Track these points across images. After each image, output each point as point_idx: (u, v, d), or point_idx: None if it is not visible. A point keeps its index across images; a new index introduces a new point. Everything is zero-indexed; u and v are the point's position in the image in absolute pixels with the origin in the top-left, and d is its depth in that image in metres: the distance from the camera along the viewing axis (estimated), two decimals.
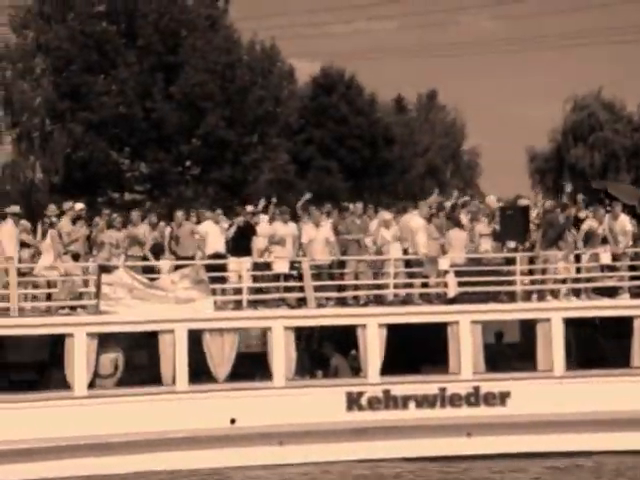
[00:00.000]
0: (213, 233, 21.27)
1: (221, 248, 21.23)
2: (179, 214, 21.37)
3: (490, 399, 20.18)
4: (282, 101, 50.71)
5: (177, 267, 20.25)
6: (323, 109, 59.07)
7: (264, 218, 22.25)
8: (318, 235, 21.01)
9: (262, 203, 23.27)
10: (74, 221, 20.53)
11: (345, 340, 21.00)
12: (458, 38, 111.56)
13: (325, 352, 21.36)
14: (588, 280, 21.44)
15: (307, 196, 23.13)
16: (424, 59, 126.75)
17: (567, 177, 56.48)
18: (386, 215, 21.74)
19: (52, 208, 21.23)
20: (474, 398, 20.17)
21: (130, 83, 45.32)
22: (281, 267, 20.80)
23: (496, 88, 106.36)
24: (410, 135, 65.19)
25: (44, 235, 20.64)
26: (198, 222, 21.76)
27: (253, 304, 20.48)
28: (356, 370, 20.82)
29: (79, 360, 18.89)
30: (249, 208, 22.25)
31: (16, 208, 21.03)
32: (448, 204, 23.57)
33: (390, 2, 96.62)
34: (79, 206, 21.19)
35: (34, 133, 46.29)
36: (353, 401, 19.91)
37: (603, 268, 21.49)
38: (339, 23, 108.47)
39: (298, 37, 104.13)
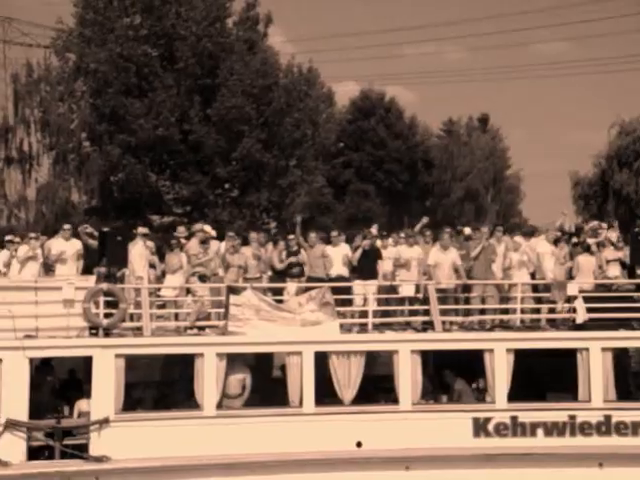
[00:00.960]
0: (337, 256, 21.31)
1: (345, 271, 21.25)
2: (312, 235, 21.48)
3: (622, 428, 19.69)
4: (319, 124, 50.47)
5: (307, 289, 20.31)
6: (361, 132, 58.99)
7: (389, 242, 22.17)
8: (445, 259, 20.85)
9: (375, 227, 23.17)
10: (202, 242, 20.81)
11: (466, 365, 20.78)
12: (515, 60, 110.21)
13: (446, 376, 21.15)
14: None
15: (424, 220, 22.99)
16: (479, 83, 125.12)
17: (612, 203, 55.32)
18: (517, 239, 21.53)
19: (181, 229, 21.57)
20: (605, 427, 19.71)
21: (167, 106, 45.32)
22: (407, 290, 20.71)
23: (544, 113, 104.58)
24: (449, 159, 64.39)
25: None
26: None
27: (378, 327, 20.43)
28: (478, 396, 20.59)
29: (209, 380, 19.05)
30: (374, 231, 22.19)
31: (145, 229, 21.41)
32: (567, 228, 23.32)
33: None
34: (208, 228, 21.47)
35: (71, 155, 46.68)
36: (480, 427, 19.71)
37: None
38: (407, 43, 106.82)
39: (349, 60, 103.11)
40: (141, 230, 21.17)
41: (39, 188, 46.66)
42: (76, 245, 20.47)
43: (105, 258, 19.73)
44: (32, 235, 21.11)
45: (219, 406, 19.25)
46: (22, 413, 17.95)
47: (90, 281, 19.51)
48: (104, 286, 19.14)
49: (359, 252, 21.26)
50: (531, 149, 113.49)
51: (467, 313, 20.96)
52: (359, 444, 19.32)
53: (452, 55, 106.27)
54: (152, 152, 46.19)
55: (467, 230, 22.34)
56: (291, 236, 21.79)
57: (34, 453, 18.23)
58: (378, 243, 22.01)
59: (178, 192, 47.13)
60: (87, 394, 19.21)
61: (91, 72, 46.53)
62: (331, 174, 57.18)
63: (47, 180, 46.67)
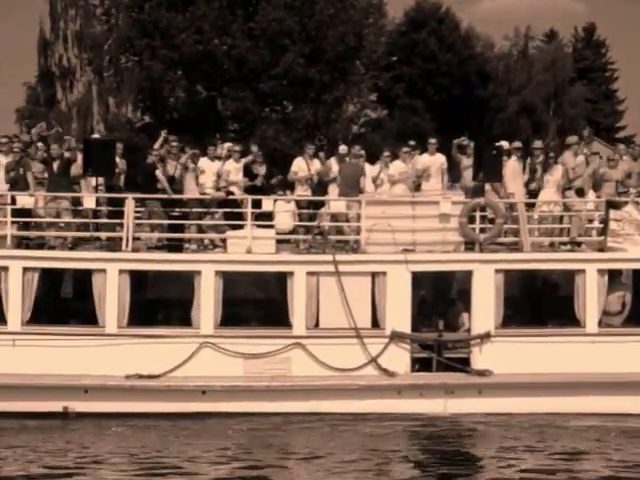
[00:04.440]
0: None
1: None
2: None
3: None
4: (365, 37, 48.04)
5: None
6: (413, 45, 55.97)
7: None
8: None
9: None
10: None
11: None
12: None
13: None
14: None
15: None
16: None
17: None
18: None
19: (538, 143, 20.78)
20: None
21: (209, 19, 43.57)
22: None
23: None
24: (506, 72, 60.68)
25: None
26: None
27: None
28: None
29: (590, 297, 18.49)
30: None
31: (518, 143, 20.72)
32: None
33: None
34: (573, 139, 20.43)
35: (107, 72, 45.76)
36: None
37: None
38: None
39: None
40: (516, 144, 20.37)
41: (73, 103, 46.03)
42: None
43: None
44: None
45: (599, 324, 18.72)
46: (406, 325, 18.31)
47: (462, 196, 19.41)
48: (481, 200, 18.95)
49: None
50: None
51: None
52: None
53: None
54: (195, 68, 44.60)
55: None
56: None
57: (414, 364, 18.58)
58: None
59: (224, 108, 45.78)
60: (461, 308, 19.32)
61: None
62: (382, 89, 55.08)
63: (82, 95, 45.90)
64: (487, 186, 19.20)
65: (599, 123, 66.67)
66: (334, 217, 19.32)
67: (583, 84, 67.56)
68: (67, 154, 19.17)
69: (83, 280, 18.67)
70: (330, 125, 47.10)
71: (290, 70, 44.52)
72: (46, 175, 19.08)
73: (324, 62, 45.72)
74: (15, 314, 17.62)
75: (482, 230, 18.81)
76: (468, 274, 18.42)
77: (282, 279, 18.36)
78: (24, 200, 18.25)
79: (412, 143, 20.71)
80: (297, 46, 44.72)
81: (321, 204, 19.64)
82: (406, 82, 56.21)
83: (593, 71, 72.72)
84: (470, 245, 18.83)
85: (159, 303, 19.75)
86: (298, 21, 44.94)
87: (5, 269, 17.71)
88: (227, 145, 21.50)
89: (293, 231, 19.52)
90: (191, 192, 19.47)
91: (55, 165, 18.80)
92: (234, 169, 20.07)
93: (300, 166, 20.34)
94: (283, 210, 19.44)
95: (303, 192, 20.12)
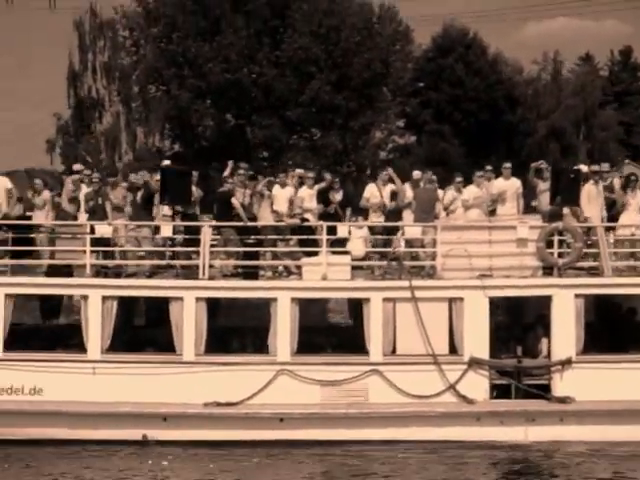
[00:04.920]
0: None
1: None
2: None
3: None
4: (392, 63, 47.77)
5: None
6: (440, 71, 55.41)
7: None
8: None
9: None
10: None
11: None
12: None
13: None
14: None
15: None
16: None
17: None
18: None
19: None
20: None
21: (236, 48, 43.67)
22: None
23: None
24: (534, 96, 59.70)
25: None
26: None
27: None
28: None
29: None
30: None
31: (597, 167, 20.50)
32: None
33: None
34: None
35: (134, 103, 46.09)
36: None
37: None
38: None
39: None
40: None
41: (101, 133, 46.35)
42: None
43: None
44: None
45: None
46: (484, 351, 18.08)
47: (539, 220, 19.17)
48: (559, 225, 18.70)
49: None
50: None
51: None
52: None
53: None
54: (223, 96, 44.72)
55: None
56: None
57: (492, 391, 18.31)
58: None
59: (257, 136, 45.62)
60: (539, 333, 19.02)
61: (159, 16, 45.70)
62: (409, 115, 54.69)
63: (111, 125, 46.25)
64: (565, 210, 18.94)
65: (636, 146, 65.57)
66: (409, 243, 19.19)
67: (614, 108, 66.40)
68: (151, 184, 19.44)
69: (158, 308, 18.82)
70: (358, 152, 47.09)
71: (317, 97, 44.70)
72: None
73: (350, 89, 45.77)
74: (95, 342, 17.78)
75: (560, 255, 18.53)
76: (547, 299, 18.15)
77: (358, 306, 18.30)
78: (102, 229, 18.45)
79: (489, 168, 20.51)
80: (323, 73, 44.82)
81: (394, 230, 19.54)
82: (433, 108, 55.81)
83: (630, 94, 71.64)
84: (548, 270, 18.55)
85: (233, 331, 19.76)
86: (324, 49, 45.10)
87: (85, 298, 17.91)
88: (298, 172, 21.53)
89: (365, 257, 19.41)
90: (265, 219, 19.52)
91: (138, 195, 19.03)
92: (308, 195, 20.09)
93: (372, 192, 20.29)
94: (356, 237, 19.38)
95: (376, 218, 20.05)
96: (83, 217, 19.06)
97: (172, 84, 45.00)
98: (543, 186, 19.72)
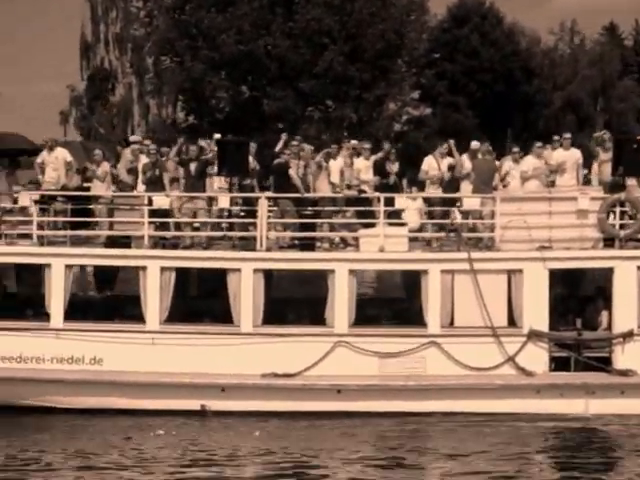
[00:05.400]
0: None
1: None
2: None
3: None
4: (406, 34, 46.85)
5: None
6: (455, 41, 54.68)
7: None
8: None
9: None
10: None
11: None
12: None
13: None
14: None
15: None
16: None
17: None
18: None
19: None
20: None
21: (249, 19, 43.14)
22: None
23: None
24: (551, 67, 59.16)
25: None
26: None
27: None
28: None
29: None
30: None
31: None
32: None
33: None
34: None
35: (148, 73, 45.76)
36: None
37: None
38: None
39: None
40: None
41: (113, 105, 46.58)
42: None
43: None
44: None
45: None
46: (544, 324, 17.90)
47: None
48: (622, 196, 18.39)
49: None
50: None
51: None
52: None
53: None
54: (236, 68, 44.27)
55: None
56: None
57: (552, 364, 18.14)
58: None
59: (273, 107, 45.08)
60: (600, 306, 18.77)
61: None
62: (424, 86, 53.98)
63: (123, 97, 46.31)
64: (630, 181, 18.59)
65: None
66: (467, 214, 19.00)
67: (636, 79, 64.69)
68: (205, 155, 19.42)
69: (213, 279, 18.85)
70: (372, 123, 46.45)
71: (330, 69, 44.19)
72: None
73: (364, 60, 45.24)
74: (154, 313, 17.88)
75: (621, 226, 18.22)
76: (609, 271, 17.89)
77: (415, 277, 18.18)
78: (160, 201, 18.50)
79: (515, 150, 20.04)
80: (337, 45, 44.35)
81: (452, 202, 19.34)
82: (448, 79, 55.09)
83: None
84: (609, 242, 18.26)
85: (289, 302, 19.75)
86: (338, 19, 44.63)
87: (143, 269, 18.00)
88: (353, 143, 21.36)
89: (420, 229, 19.26)
90: (323, 191, 19.43)
91: (192, 166, 19.03)
92: (364, 167, 19.94)
93: (431, 164, 20.09)
94: (412, 208, 19.22)
95: (434, 190, 19.86)
96: (141, 188, 19.10)
97: (185, 56, 44.78)
98: (604, 156, 19.37)
